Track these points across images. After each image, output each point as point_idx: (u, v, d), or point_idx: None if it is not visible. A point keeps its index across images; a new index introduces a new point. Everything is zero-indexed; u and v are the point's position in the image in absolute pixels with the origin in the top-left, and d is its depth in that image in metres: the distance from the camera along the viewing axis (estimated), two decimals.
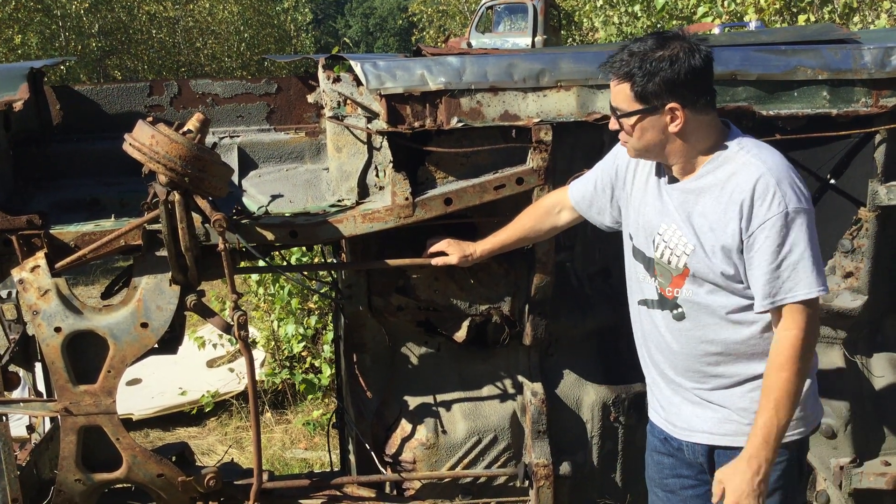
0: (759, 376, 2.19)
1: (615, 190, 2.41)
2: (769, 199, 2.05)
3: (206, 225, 2.47)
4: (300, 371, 5.52)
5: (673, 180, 2.22)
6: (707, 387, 2.25)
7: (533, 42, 14.37)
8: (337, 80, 2.65)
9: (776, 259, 2.05)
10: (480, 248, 2.63)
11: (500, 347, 2.93)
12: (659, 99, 2.09)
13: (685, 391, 2.29)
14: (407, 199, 2.59)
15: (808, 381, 2.23)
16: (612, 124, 2.19)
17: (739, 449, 2.22)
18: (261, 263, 2.77)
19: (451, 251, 2.64)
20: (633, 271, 2.35)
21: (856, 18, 7.72)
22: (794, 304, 2.07)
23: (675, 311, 2.23)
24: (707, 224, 2.13)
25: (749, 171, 2.09)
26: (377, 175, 2.69)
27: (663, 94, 2.08)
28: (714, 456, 2.31)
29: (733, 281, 2.14)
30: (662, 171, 2.26)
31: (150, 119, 2.34)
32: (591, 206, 2.48)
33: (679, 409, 2.33)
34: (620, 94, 2.12)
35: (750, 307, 2.15)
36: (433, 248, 2.67)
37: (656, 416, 2.44)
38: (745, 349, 2.19)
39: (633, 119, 2.12)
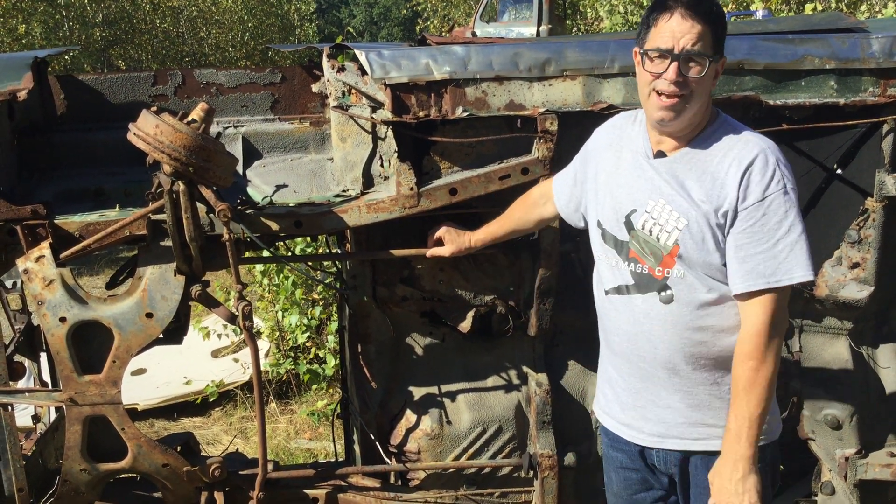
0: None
1: (585, 183, 2.33)
2: (769, 175, 1.99)
3: (211, 215, 2.47)
4: (304, 361, 5.53)
5: (660, 154, 2.13)
6: (686, 382, 2.15)
7: (538, 31, 14.32)
8: (341, 69, 2.63)
9: (774, 237, 1.98)
10: (475, 238, 2.61)
11: (504, 338, 2.93)
12: (721, 47, 2.01)
13: (660, 388, 2.18)
14: (412, 189, 2.59)
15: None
16: (672, 75, 1.97)
17: (716, 454, 2.15)
18: (265, 253, 2.77)
19: (446, 240, 2.63)
20: (605, 258, 2.23)
21: (863, 7, 7.69)
22: (773, 289, 1.98)
23: (663, 294, 2.11)
24: (700, 196, 2.04)
25: (749, 146, 2.04)
26: (382, 165, 2.68)
27: (723, 42, 2.02)
28: (689, 465, 2.22)
29: (721, 256, 2.05)
30: (641, 148, 2.16)
31: (154, 109, 2.34)
32: (570, 201, 2.41)
33: (650, 412, 2.22)
34: (706, 38, 1.96)
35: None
36: (433, 237, 2.67)
37: (615, 423, 2.32)
38: (730, 341, 2.09)
39: (713, 67, 2.00)
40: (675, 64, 1.97)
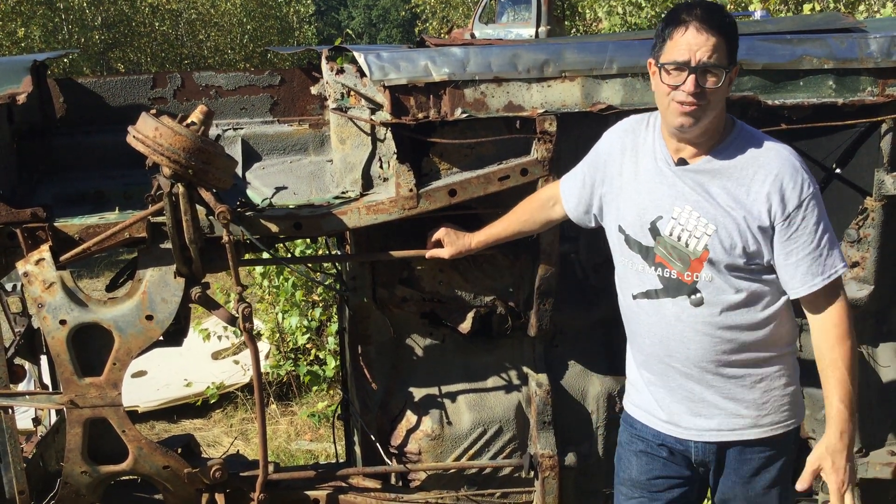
0: (768, 366, 2.20)
1: (595, 186, 2.37)
2: (800, 180, 2.07)
3: (211, 217, 2.47)
4: (305, 363, 5.53)
5: (682, 162, 2.16)
6: (719, 378, 2.21)
7: (536, 32, 14.31)
8: (340, 71, 2.64)
9: (815, 237, 2.07)
10: (475, 239, 2.62)
11: (504, 338, 2.93)
12: (734, 56, 2.07)
13: (694, 384, 2.24)
14: (411, 190, 2.59)
15: (793, 386, 2.26)
16: (690, 87, 2.01)
17: (751, 442, 2.24)
18: (265, 255, 2.77)
19: (446, 242, 2.63)
20: (629, 263, 2.27)
21: (861, 7, 7.70)
22: (837, 278, 2.10)
23: (693, 297, 2.16)
24: (728, 202, 2.10)
25: (771, 153, 2.11)
26: (381, 166, 2.68)
27: (736, 51, 2.07)
28: (725, 454, 2.29)
29: (752, 261, 2.11)
30: (660, 155, 2.20)
31: (153, 111, 2.34)
32: (579, 203, 2.44)
33: (686, 407, 2.27)
34: (720, 50, 2.01)
35: (766, 290, 2.15)
36: (432, 238, 2.67)
37: (652, 419, 2.37)
38: (758, 336, 2.17)
39: (727, 77, 2.05)
40: (692, 76, 2.02)
